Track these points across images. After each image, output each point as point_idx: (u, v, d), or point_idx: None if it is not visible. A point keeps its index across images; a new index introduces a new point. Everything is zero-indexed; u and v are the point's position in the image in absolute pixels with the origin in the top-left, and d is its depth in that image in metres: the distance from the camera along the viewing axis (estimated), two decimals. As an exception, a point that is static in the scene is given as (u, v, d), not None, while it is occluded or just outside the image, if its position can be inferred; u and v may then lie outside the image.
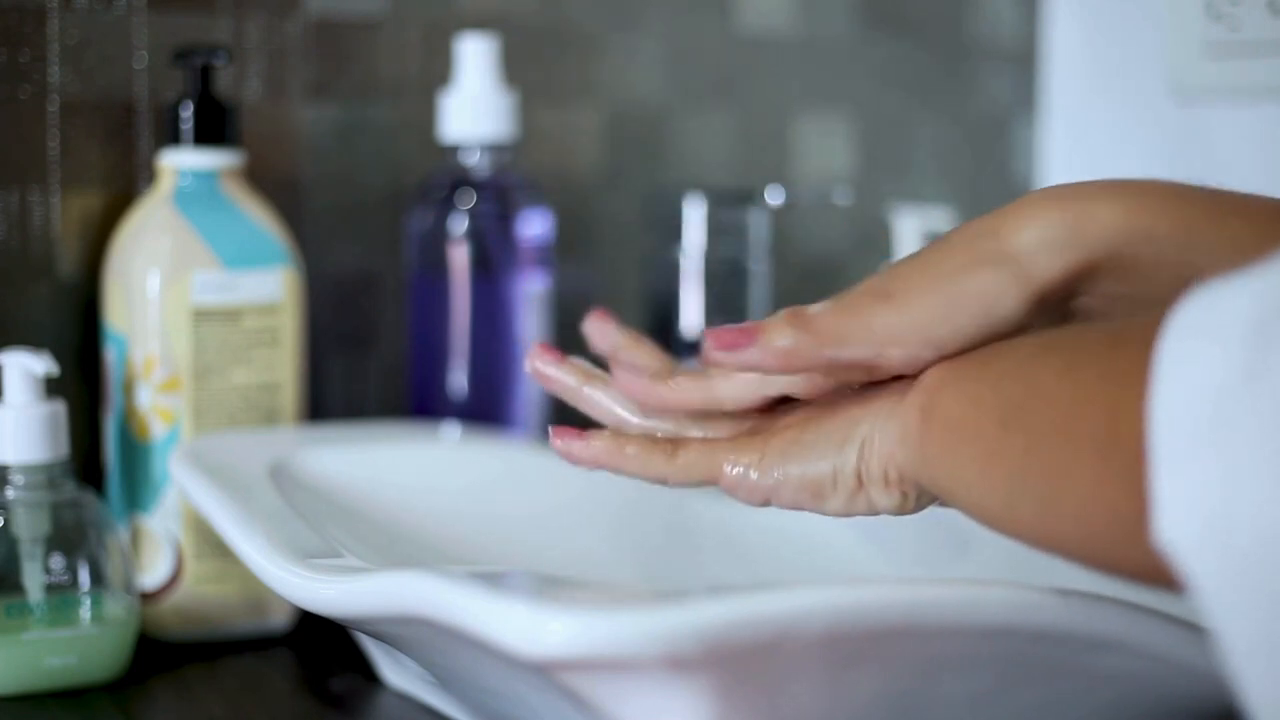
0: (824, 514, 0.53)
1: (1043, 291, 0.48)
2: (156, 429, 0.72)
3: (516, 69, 0.85)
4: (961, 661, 0.48)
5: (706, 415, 0.57)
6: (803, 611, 0.44)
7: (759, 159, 0.96)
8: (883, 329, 0.49)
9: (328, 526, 0.63)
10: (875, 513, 0.52)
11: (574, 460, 0.55)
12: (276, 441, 0.72)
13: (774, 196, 0.84)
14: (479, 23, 0.85)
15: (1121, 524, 0.39)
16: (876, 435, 0.51)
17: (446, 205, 0.81)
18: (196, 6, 0.79)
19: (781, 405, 0.55)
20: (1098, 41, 0.98)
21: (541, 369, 0.58)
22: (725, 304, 0.85)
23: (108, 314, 0.73)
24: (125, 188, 0.77)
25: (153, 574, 0.72)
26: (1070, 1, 1.01)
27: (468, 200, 0.80)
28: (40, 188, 0.75)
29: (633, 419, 0.57)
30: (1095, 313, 0.50)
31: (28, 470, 0.66)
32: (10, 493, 0.65)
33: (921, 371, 0.50)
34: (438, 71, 0.84)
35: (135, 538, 0.73)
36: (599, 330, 0.58)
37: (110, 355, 0.73)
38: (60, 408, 0.67)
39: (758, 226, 0.84)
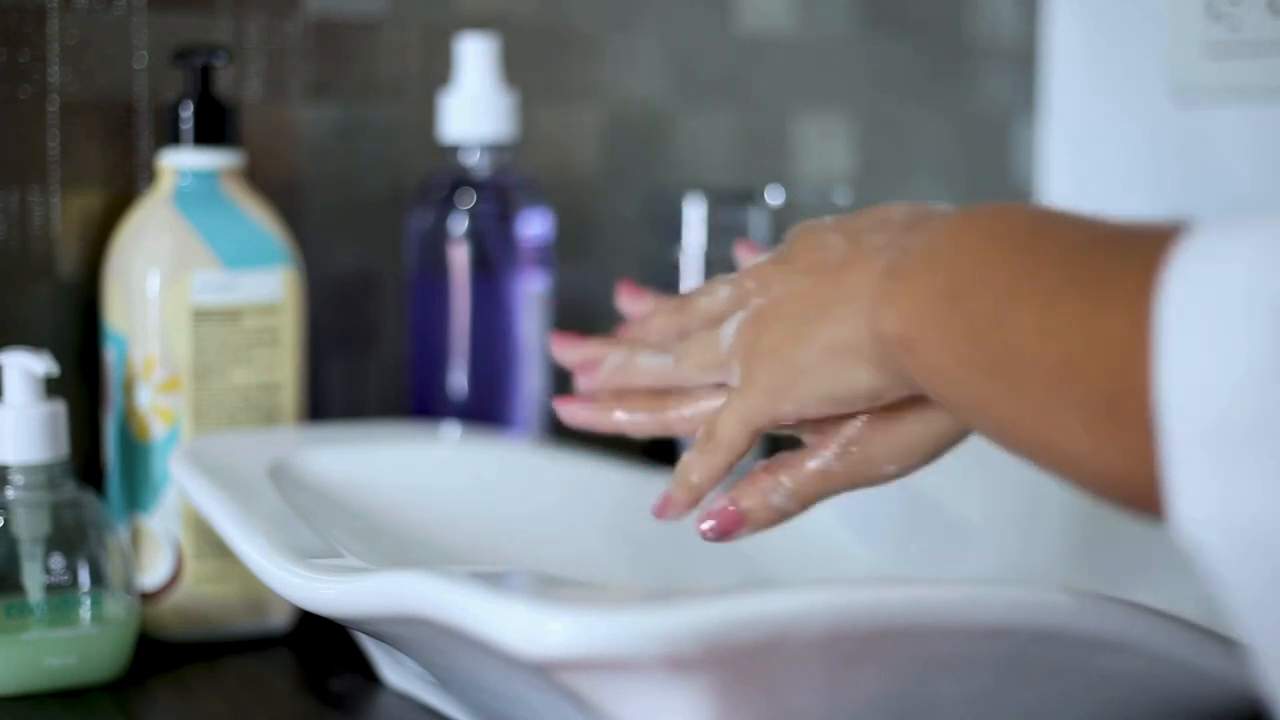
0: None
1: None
2: (156, 429, 0.72)
3: (516, 69, 0.85)
4: (961, 661, 0.48)
5: None
6: (803, 611, 0.44)
7: (759, 159, 0.96)
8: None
9: (328, 526, 0.63)
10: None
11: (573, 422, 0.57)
12: (276, 441, 0.72)
13: (774, 196, 0.84)
14: (479, 23, 0.85)
15: (1124, 483, 0.39)
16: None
17: (446, 205, 0.81)
18: (196, 6, 0.79)
19: None
20: (1098, 41, 0.99)
21: (568, 352, 0.60)
22: (725, 304, 0.85)
23: (108, 314, 0.73)
24: (125, 188, 0.77)
25: (153, 574, 0.72)
26: (1070, 1, 1.01)
27: (468, 200, 0.81)
28: (40, 188, 0.75)
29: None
30: None
31: (28, 470, 0.66)
32: (10, 493, 0.65)
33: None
34: (438, 71, 0.84)
35: (135, 538, 0.73)
36: (631, 299, 0.60)
37: (110, 355, 0.73)
38: (60, 408, 0.67)
39: (758, 226, 0.84)
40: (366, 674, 0.67)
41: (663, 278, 0.89)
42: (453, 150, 0.81)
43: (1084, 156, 1.00)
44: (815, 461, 0.54)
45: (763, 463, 0.56)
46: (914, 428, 0.53)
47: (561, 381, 0.88)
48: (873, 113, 0.99)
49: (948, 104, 1.02)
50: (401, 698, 0.65)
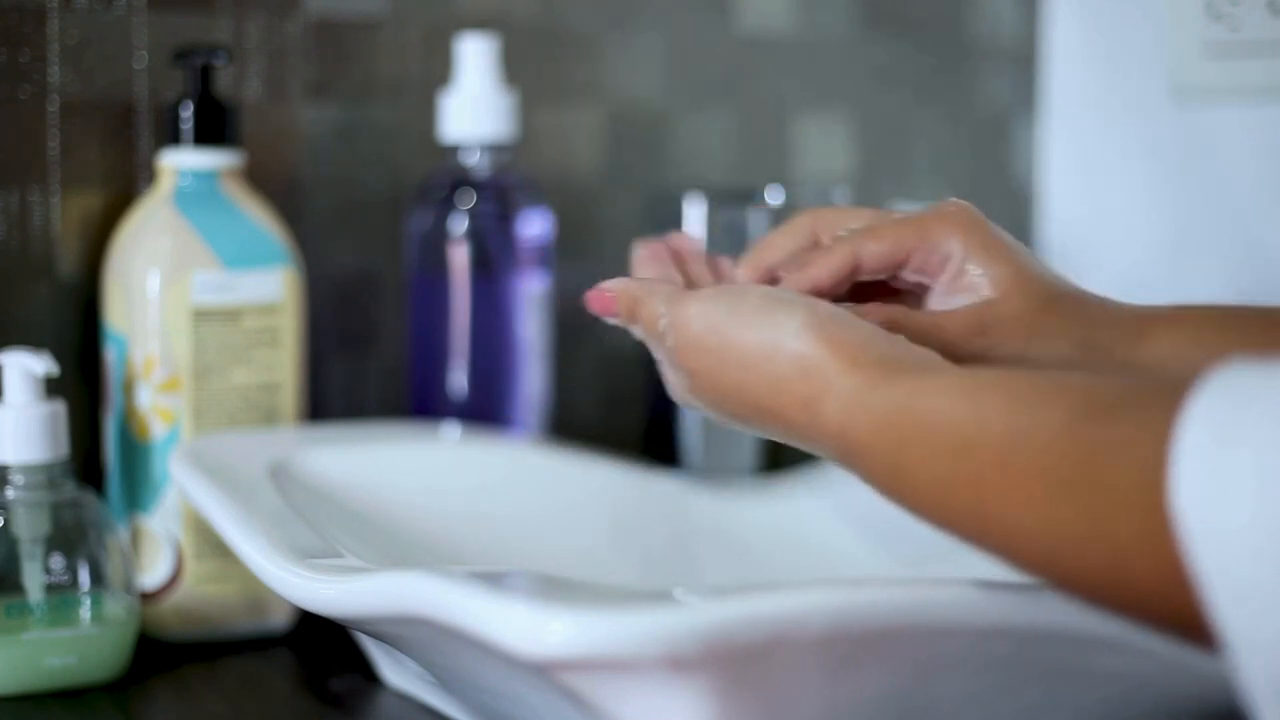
0: None
1: None
2: (156, 429, 0.72)
3: (516, 69, 0.85)
4: (961, 661, 0.48)
5: None
6: (803, 611, 0.44)
7: (759, 159, 0.96)
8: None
9: (328, 526, 0.63)
10: None
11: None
12: (276, 441, 0.72)
13: (774, 196, 0.84)
14: (479, 23, 0.85)
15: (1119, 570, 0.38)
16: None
17: (446, 205, 0.81)
18: (196, 6, 0.79)
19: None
20: (1098, 41, 0.99)
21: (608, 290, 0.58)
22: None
23: (108, 314, 0.73)
24: (125, 188, 0.77)
25: (153, 574, 0.72)
26: (1070, 1, 1.01)
27: (468, 200, 0.80)
28: (40, 188, 0.75)
29: None
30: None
31: (28, 470, 0.66)
32: (10, 493, 0.65)
33: None
34: (438, 71, 0.84)
35: (135, 538, 0.73)
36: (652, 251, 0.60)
37: (110, 355, 0.73)
38: (60, 408, 0.67)
39: (758, 226, 0.84)
40: (366, 674, 0.67)
41: (663, 278, 0.89)
42: (453, 150, 0.81)
43: (1084, 156, 1.00)
44: None
45: None
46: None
47: (561, 381, 0.88)
48: (873, 113, 0.99)
49: (948, 104, 1.02)
50: (401, 698, 0.65)
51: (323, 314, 0.82)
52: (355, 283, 0.84)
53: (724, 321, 0.51)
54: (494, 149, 0.81)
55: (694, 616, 0.42)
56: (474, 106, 0.80)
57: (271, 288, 0.73)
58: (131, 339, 0.72)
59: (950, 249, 0.54)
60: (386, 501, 0.71)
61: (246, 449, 0.70)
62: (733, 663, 0.44)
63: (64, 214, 0.76)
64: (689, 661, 0.43)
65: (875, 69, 0.99)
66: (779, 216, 0.88)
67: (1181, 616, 0.36)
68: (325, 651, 0.71)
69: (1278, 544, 0.33)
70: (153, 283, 0.71)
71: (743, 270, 0.59)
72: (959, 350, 0.53)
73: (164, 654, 0.70)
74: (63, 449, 0.67)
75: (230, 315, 0.72)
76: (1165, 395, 0.36)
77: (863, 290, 0.56)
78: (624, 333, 0.60)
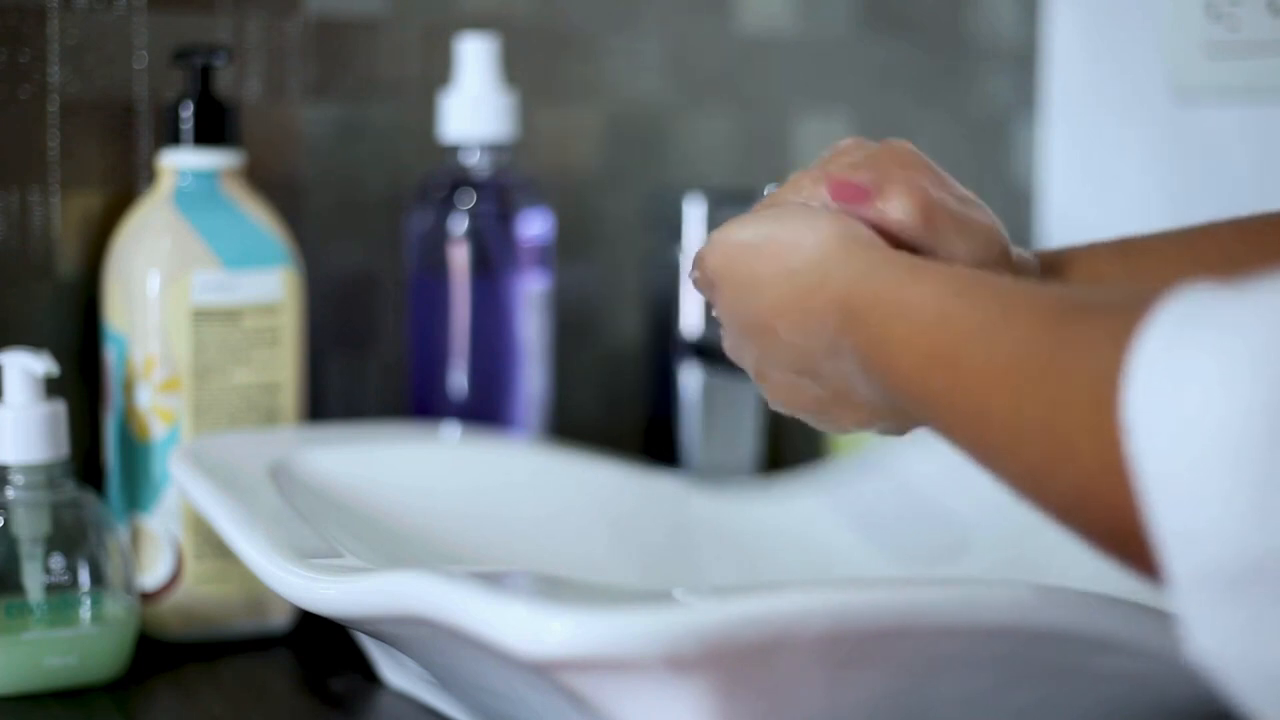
0: None
1: None
2: (156, 429, 0.72)
3: (516, 69, 0.85)
4: (961, 661, 0.48)
5: None
6: (803, 611, 0.44)
7: (759, 159, 0.96)
8: None
9: (328, 526, 0.63)
10: None
11: None
12: (276, 441, 0.72)
13: (774, 196, 0.84)
14: (479, 23, 0.85)
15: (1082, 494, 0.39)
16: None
17: (446, 205, 0.81)
18: (196, 6, 0.79)
19: None
20: (1098, 41, 0.99)
21: None
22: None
23: (108, 314, 0.73)
24: (125, 188, 0.77)
25: (153, 574, 0.72)
26: (1070, 1, 1.01)
27: (468, 200, 0.80)
28: (40, 188, 0.75)
29: None
30: None
31: (28, 470, 0.66)
32: (10, 493, 0.65)
33: None
34: (438, 71, 0.84)
35: (135, 538, 0.73)
36: None
37: (110, 355, 0.73)
38: (60, 408, 0.67)
39: (758, 226, 0.84)
40: (366, 674, 0.67)
41: (663, 278, 0.89)
42: (453, 150, 0.81)
43: (1084, 156, 1.00)
44: None
45: None
46: None
47: (561, 381, 0.88)
48: (873, 113, 0.99)
49: (948, 104, 1.02)
50: (401, 698, 0.65)
51: (323, 314, 0.82)
52: (355, 283, 0.84)
53: (751, 227, 0.56)
54: (494, 149, 0.81)
55: (694, 616, 0.42)
56: (474, 106, 0.80)
57: (271, 288, 0.73)
58: (131, 339, 0.72)
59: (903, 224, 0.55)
60: (386, 501, 0.71)
61: (246, 449, 0.70)
62: (733, 663, 0.44)
63: (64, 214, 0.76)
64: (689, 661, 0.43)
65: (875, 69, 0.99)
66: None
67: (1119, 518, 0.38)
68: (325, 651, 0.71)
69: (1216, 440, 0.35)
70: (153, 283, 0.71)
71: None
72: None
73: (164, 654, 0.70)
74: (63, 449, 0.67)
75: (230, 315, 0.72)
76: (1132, 304, 0.38)
77: None
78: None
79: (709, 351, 0.85)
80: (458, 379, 0.81)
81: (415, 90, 0.85)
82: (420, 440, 0.76)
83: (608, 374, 0.91)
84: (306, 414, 0.78)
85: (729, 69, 0.95)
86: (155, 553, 0.72)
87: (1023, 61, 1.02)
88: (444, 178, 0.81)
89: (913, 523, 0.76)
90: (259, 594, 0.73)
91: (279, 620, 0.74)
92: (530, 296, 0.81)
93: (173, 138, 0.74)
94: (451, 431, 0.78)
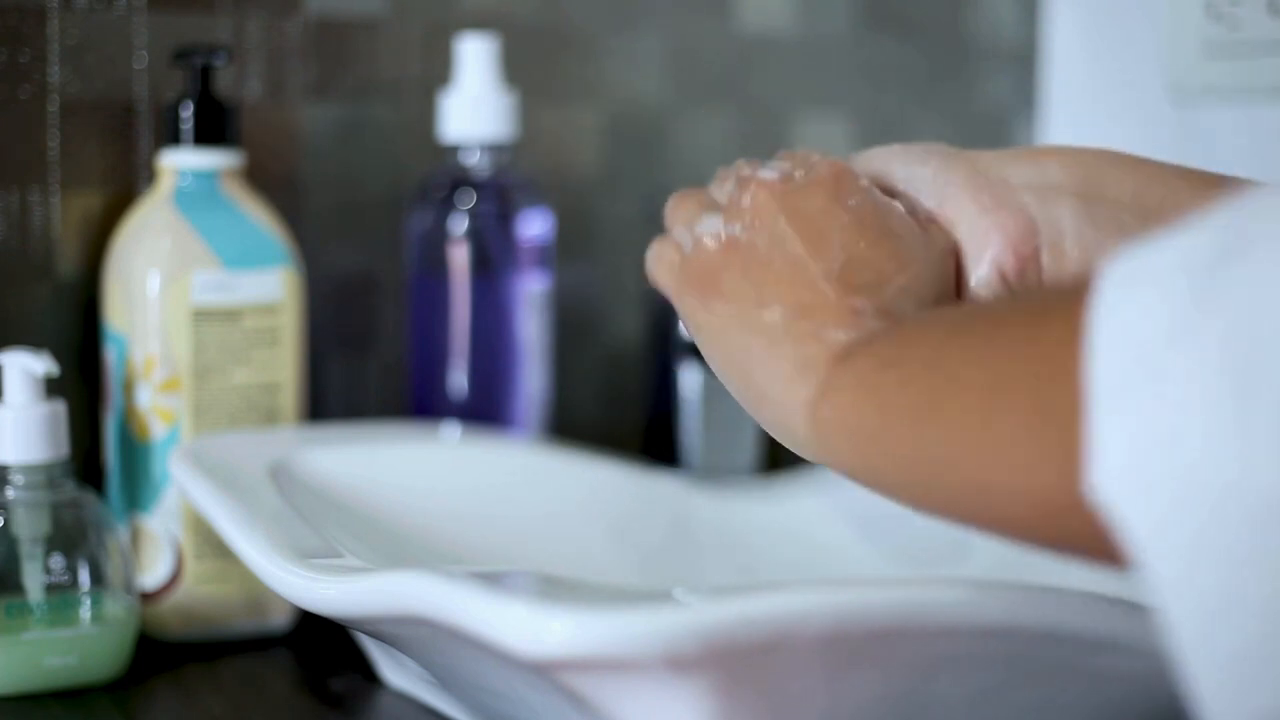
0: None
1: None
2: (156, 429, 0.72)
3: (516, 69, 0.85)
4: (961, 661, 0.48)
5: None
6: (803, 611, 0.44)
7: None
8: None
9: (328, 526, 0.63)
10: None
11: None
12: (276, 441, 0.72)
13: (774, 196, 0.84)
14: (479, 23, 0.85)
15: (1055, 493, 0.39)
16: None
17: (446, 205, 0.81)
18: (196, 6, 0.79)
19: None
20: (1097, 41, 0.99)
21: None
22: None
23: (108, 314, 0.73)
24: (125, 188, 0.77)
25: (153, 574, 0.72)
26: (1070, 1, 1.01)
27: (468, 200, 0.81)
28: (40, 188, 0.75)
29: None
30: None
31: (28, 470, 0.66)
32: (10, 493, 0.65)
33: None
34: (438, 71, 0.84)
35: (135, 538, 0.73)
36: None
37: (110, 355, 0.73)
38: (60, 408, 0.67)
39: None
40: (366, 674, 0.67)
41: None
42: (453, 150, 0.81)
43: (1084, 156, 1.00)
44: None
45: None
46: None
47: (561, 381, 0.88)
48: (873, 113, 0.99)
49: (948, 104, 1.02)
50: (401, 698, 0.65)
51: (323, 314, 0.82)
52: (355, 283, 0.84)
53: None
54: (494, 149, 0.81)
55: (694, 616, 0.42)
56: (474, 106, 0.80)
57: (271, 288, 0.73)
58: (131, 339, 0.72)
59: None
60: (386, 501, 0.71)
61: (246, 449, 0.70)
62: (733, 663, 0.44)
63: (64, 214, 0.76)
64: (689, 661, 0.43)
65: (875, 69, 0.99)
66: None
67: (1070, 503, 0.37)
68: (325, 651, 0.71)
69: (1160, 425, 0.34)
70: (153, 283, 0.71)
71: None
72: None
73: (164, 654, 0.70)
74: (63, 449, 0.67)
75: (230, 315, 0.72)
76: (1069, 293, 0.38)
77: None
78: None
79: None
80: (458, 379, 0.81)
81: (415, 90, 0.85)
82: (420, 440, 0.76)
83: (608, 374, 0.91)
84: (306, 414, 0.78)
85: (729, 69, 0.95)
86: (155, 553, 0.72)
87: (1023, 61, 1.02)
88: (444, 178, 0.81)
89: (913, 523, 0.76)
90: (259, 594, 0.73)
91: (279, 620, 0.74)
92: (530, 296, 0.81)
93: (173, 138, 0.74)
94: (451, 431, 0.78)
